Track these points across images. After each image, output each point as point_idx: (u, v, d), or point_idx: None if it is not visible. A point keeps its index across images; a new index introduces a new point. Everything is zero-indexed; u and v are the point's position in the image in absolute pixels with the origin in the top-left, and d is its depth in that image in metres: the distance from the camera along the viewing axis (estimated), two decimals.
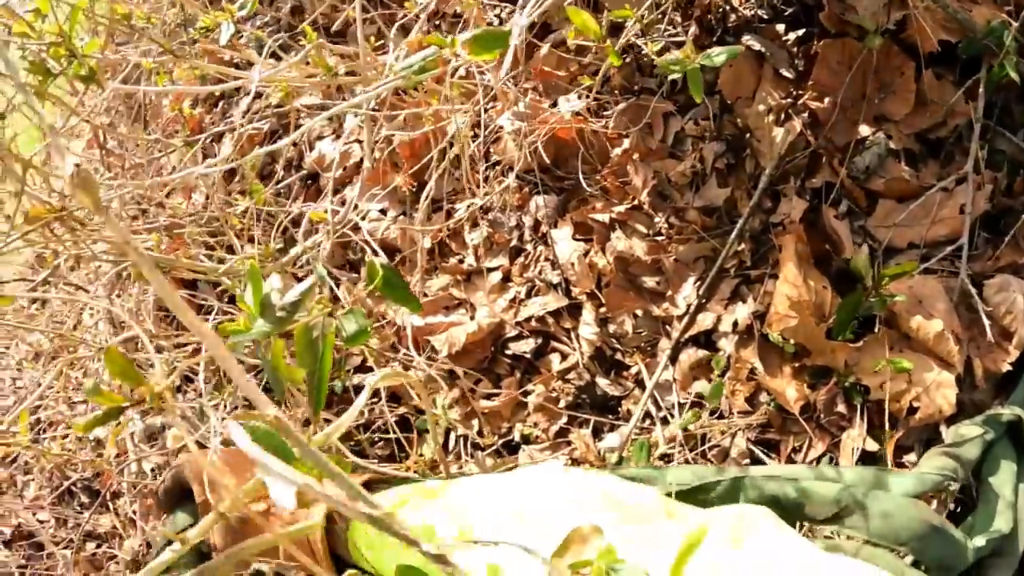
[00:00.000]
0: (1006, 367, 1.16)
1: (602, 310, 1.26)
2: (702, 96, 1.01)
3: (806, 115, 1.25)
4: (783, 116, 1.26)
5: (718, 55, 0.99)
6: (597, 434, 1.25)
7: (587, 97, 1.31)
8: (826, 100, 1.25)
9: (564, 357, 1.28)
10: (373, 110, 1.42)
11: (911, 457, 1.14)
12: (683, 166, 1.25)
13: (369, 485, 1.10)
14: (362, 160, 1.42)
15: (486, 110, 1.35)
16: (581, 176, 1.29)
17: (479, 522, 0.88)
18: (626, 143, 1.28)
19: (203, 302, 1.48)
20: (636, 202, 1.27)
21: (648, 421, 1.21)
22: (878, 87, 1.28)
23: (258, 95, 1.39)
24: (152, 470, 1.66)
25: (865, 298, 1.11)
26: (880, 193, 1.23)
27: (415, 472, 1.21)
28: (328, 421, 1.16)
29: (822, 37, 1.29)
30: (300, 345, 0.81)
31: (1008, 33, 1.18)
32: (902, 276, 1.13)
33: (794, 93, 1.28)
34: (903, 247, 1.22)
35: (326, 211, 1.10)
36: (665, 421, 1.20)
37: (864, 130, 1.25)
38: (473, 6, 1.17)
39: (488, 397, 1.31)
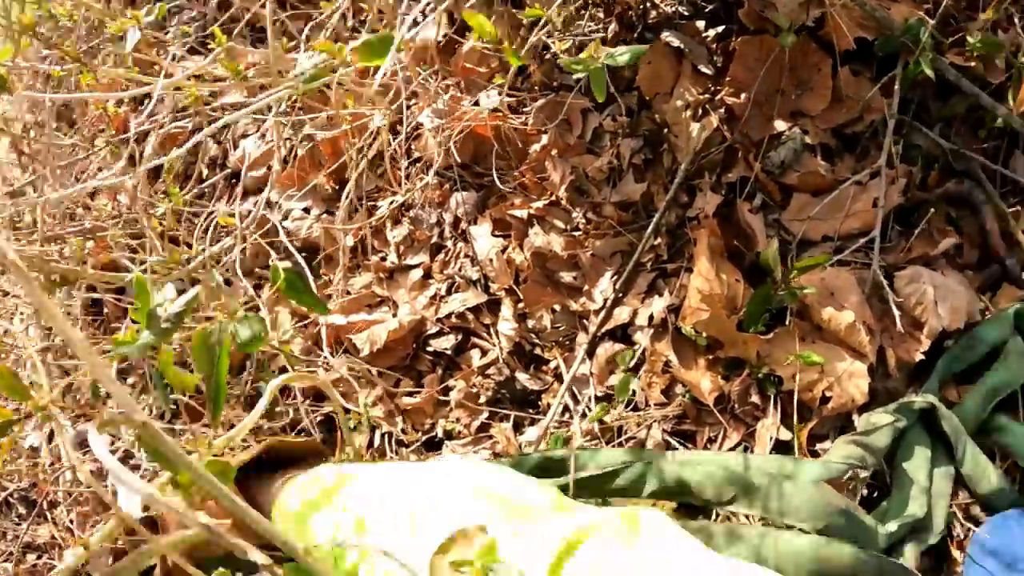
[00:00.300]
0: (919, 356, 1.17)
1: (520, 305, 1.25)
2: (604, 95, 1.01)
3: (723, 111, 1.26)
4: (700, 112, 1.27)
5: (621, 55, 0.99)
6: (518, 428, 1.24)
7: (506, 94, 1.31)
8: (742, 96, 1.26)
9: (484, 353, 1.28)
10: (289, 110, 1.42)
11: (825, 445, 1.15)
12: (600, 162, 1.26)
13: (283, 464, 1.10)
14: (285, 159, 1.42)
15: (408, 107, 1.35)
16: (498, 173, 1.29)
17: (374, 515, 0.88)
18: (544, 139, 1.28)
19: (128, 305, 1.47)
20: (554, 198, 1.27)
21: (567, 415, 1.21)
22: (795, 83, 1.29)
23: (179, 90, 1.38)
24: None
25: (775, 291, 1.12)
26: (794, 187, 1.24)
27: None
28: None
29: (741, 34, 1.29)
30: (196, 351, 0.80)
31: (925, 30, 1.19)
32: (813, 268, 1.14)
33: (712, 89, 1.29)
34: (817, 240, 1.23)
35: (234, 215, 1.09)
36: (584, 415, 1.20)
37: (780, 125, 1.26)
38: (384, 7, 1.17)
39: (411, 394, 1.31)
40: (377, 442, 1.33)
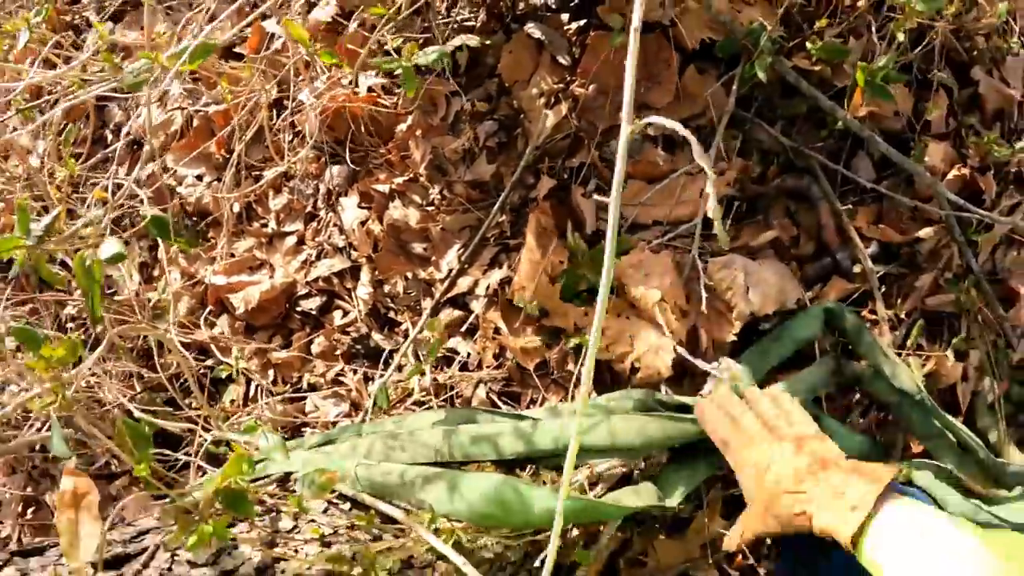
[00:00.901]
0: (731, 337, 1.27)
1: (377, 272, 1.37)
2: (414, 91, 1.12)
3: (571, 100, 1.35)
4: (552, 100, 1.36)
5: (429, 54, 1.10)
6: (369, 380, 1.36)
7: (381, 76, 1.41)
8: (591, 87, 1.35)
9: (345, 313, 1.40)
10: (194, 80, 1.53)
11: None
12: (458, 143, 1.36)
13: None
14: (181, 128, 1.53)
15: (295, 84, 1.45)
16: (368, 150, 1.40)
17: None
18: (410, 119, 1.39)
19: None
20: (414, 175, 1.37)
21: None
22: (645, 78, 1.38)
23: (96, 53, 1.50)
24: None
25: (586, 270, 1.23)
26: (631, 175, 1.34)
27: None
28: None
29: (598, 28, 1.38)
30: (77, 270, 0.92)
31: (764, 35, 1.28)
32: (628, 251, 1.24)
33: (567, 79, 1.38)
34: (648, 224, 1.33)
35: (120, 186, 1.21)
36: (424, 373, 1.32)
37: (657, 119, 1.35)
38: None
39: (281, 349, 1.43)
40: (252, 392, 1.46)
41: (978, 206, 1.38)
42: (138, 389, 1.45)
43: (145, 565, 0.88)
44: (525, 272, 1.26)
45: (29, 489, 1.57)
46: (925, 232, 1.38)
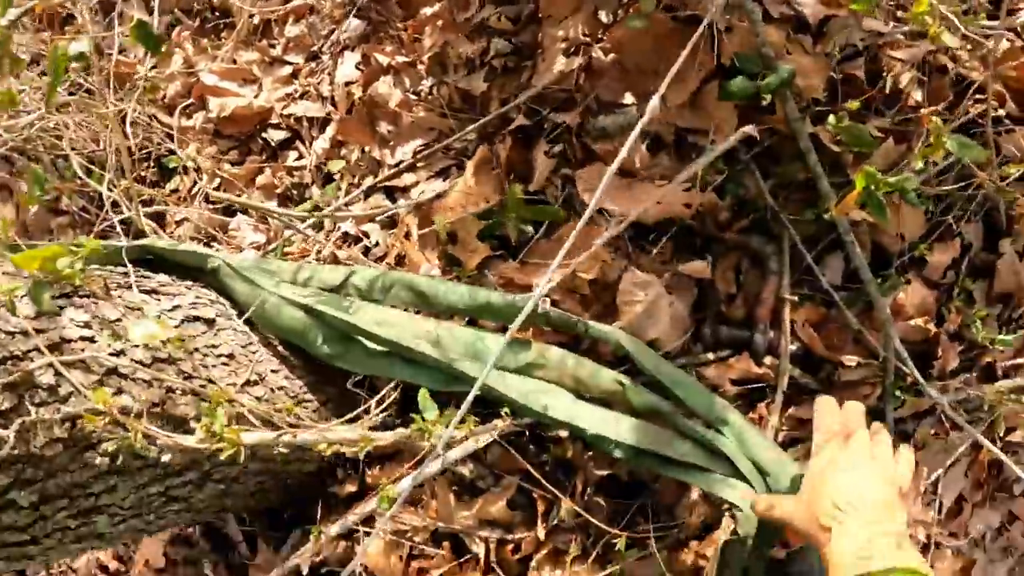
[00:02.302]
0: None
1: (340, 134, 1.39)
2: None
3: (587, 60, 1.32)
4: (572, 50, 1.33)
5: None
6: (289, 226, 1.40)
7: None
8: (610, 57, 1.32)
9: (300, 157, 1.43)
10: None
11: None
12: (469, 49, 1.35)
13: None
14: None
15: None
16: (391, 17, 1.40)
17: None
18: (437, 7, 1.38)
19: None
20: (416, 60, 1.38)
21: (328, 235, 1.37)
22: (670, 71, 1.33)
23: None
24: None
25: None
26: (599, 156, 1.31)
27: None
28: None
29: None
30: (49, 57, 0.97)
31: (786, 75, 1.19)
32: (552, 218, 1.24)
33: (597, 38, 1.35)
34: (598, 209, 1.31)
35: None
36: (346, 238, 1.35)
37: (628, 99, 1.32)
38: None
39: (235, 164, 1.48)
40: (194, 191, 1.52)
41: (923, 370, 1.28)
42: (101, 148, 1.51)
43: None
44: (455, 195, 1.26)
45: None
46: (850, 360, 1.31)
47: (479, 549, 1.25)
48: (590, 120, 1.31)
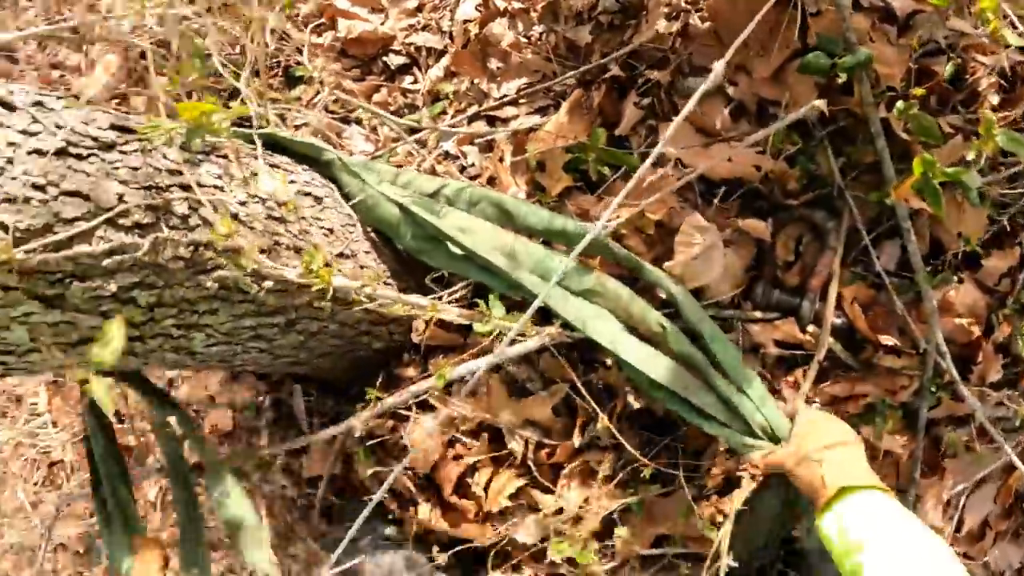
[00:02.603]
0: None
1: (453, 65, 1.54)
2: None
3: (685, 25, 1.44)
4: (674, 15, 1.45)
5: None
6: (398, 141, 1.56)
7: None
8: (707, 25, 1.43)
9: (415, 81, 1.59)
10: None
11: None
12: (580, 3, 1.49)
13: None
14: None
15: None
16: None
17: None
18: None
19: None
20: (531, 6, 1.52)
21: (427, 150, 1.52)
22: (761, 45, 1.43)
23: None
24: None
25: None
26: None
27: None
28: None
29: None
30: None
31: (862, 57, 1.28)
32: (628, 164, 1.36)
33: (699, 4, 1.46)
34: (670, 160, 1.42)
35: None
36: (438, 159, 1.50)
37: (717, 66, 1.42)
38: None
39: (356, 81, 1.65)
40: (315, 100, 1.69)
41: (962, 374, 1.35)
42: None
43: None
44: (548, 129, 1.39)
45: None
46: (891, 342, 1.37)
47: (518, 447, 1.38)
48: (680, 79, 1.43)
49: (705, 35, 1.44)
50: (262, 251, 1.13)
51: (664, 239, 1.39)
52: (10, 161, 0.86)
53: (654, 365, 1.24)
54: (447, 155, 1.49)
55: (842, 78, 1.33)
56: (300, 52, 1.69)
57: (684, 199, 1.41)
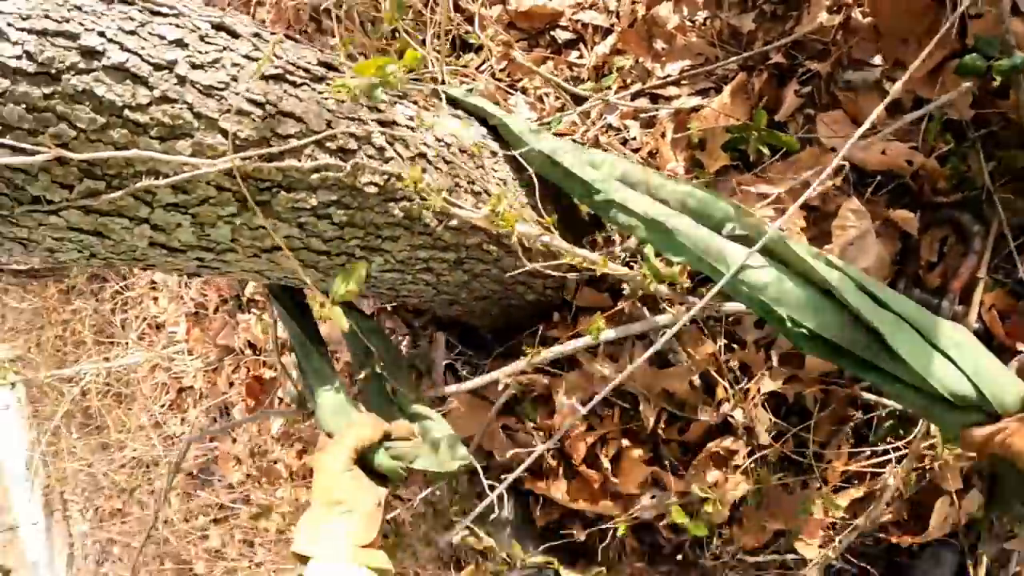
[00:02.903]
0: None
1: (619, 43, 1.64)
2: None
3: (847, 19, 1.50)
4: (836, 7, 1.52)
5: None
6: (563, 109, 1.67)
7: None
8: (868, 20, 1.49)
9: (580, 56, 1.70)
10: None
11: None
12: None
13: None
14: None
15: None
16: None
17: None
18: None
19: None
20: None
21: (587, 121, 1.63)
22: (919, 44, 1.49)
23: None
24: None
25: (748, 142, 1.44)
26: (842, 105, 1.49)
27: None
28: None
29: None
30: None
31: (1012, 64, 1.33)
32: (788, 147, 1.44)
33: (859, 1, 1.52)
34: (830, 146, 1.50)
35: None
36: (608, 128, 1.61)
37: (876, 60, 1.49)
38: None
39: (526, 51, 1.76)
40: (482, 67, 1.82)
41: None
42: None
43: None
44: (710, 109, 1.49)
45: None
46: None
47: (651, 416, 1.48)
48: (839, 71, 1.50)
49: (865, 30, 1.50)
50: (444, 189, 1.25)
51: (818, 222, 1.47)
52: (235, 79, 0.97)
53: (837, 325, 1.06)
54: (610, 127, 1.59)
55: (997, 81, 1.38)
56: (471, 23, 1.82)
57: (837, 188, 1.48)
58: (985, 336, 1.44)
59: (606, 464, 1.48)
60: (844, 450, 1.50)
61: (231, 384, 2.60)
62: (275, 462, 2.50)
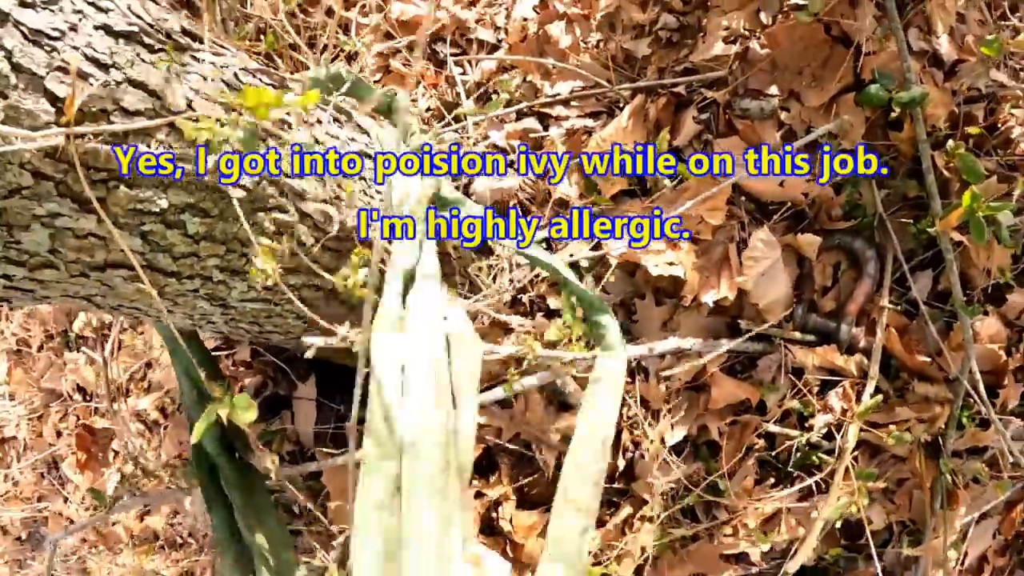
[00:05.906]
0: (714, 297, 1.37)
1: (510, 58, 1.53)
2: None
3: (744, 50, 1.46)
4: (733, 38, 1.48)
5: None
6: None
7: None
8: (765, 52, 1.46)
9: (464, 72, 1.57)
10: None
11: None
12: (641, 17, 1.50)
13: None
14: None
15: None
16: None
17: None
18: None
19: None
20: (590, 14, 1.52)
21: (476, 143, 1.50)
22: (814, 76, 1.47)
23: None
24: None
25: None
26: (738, 131, 1.44)
27: None
28: None
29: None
30: None
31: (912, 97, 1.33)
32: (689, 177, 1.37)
33: (756, 33, 1.49)
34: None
35: None
36: (495, 148, 1.48)
37: (773, 90, 1.46)
38: None
39: (406, 64, 1.62)
40: None
41: (993, 396, 1.39)
42: None
43: None
44: (608, 132, 1.39)
45: None
46: (921, 364, 1.41)
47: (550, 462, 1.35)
48: (736, 100, 1.45)
49: (762, 61, 1.46)
50: (324, 201, 1.08)
51: (708, 250, 1.40)
52: (73, 28, 0.76)
53: None
54: (496, 147, 1.47)
55: (895, 113, 1.38)
56: (345, 31, 1.66)
57: (730, 215, 1.42)
58: (883, 359, 1.44)
59: (506, 527, 1.34)
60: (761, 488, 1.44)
61: (59, 434, 2.27)
62: (113, 524, 2.18)
